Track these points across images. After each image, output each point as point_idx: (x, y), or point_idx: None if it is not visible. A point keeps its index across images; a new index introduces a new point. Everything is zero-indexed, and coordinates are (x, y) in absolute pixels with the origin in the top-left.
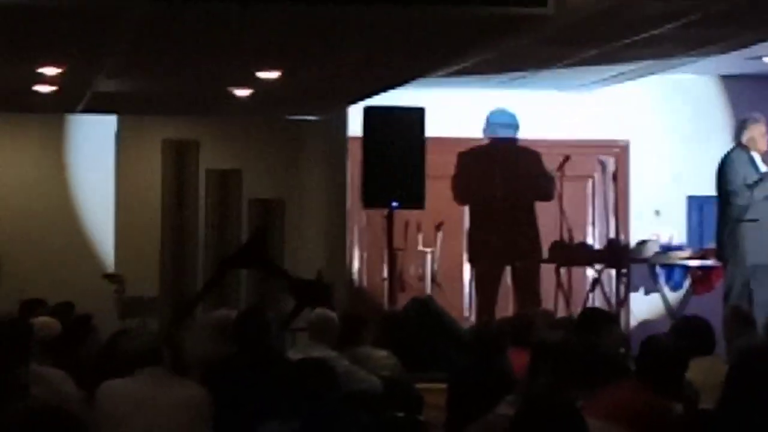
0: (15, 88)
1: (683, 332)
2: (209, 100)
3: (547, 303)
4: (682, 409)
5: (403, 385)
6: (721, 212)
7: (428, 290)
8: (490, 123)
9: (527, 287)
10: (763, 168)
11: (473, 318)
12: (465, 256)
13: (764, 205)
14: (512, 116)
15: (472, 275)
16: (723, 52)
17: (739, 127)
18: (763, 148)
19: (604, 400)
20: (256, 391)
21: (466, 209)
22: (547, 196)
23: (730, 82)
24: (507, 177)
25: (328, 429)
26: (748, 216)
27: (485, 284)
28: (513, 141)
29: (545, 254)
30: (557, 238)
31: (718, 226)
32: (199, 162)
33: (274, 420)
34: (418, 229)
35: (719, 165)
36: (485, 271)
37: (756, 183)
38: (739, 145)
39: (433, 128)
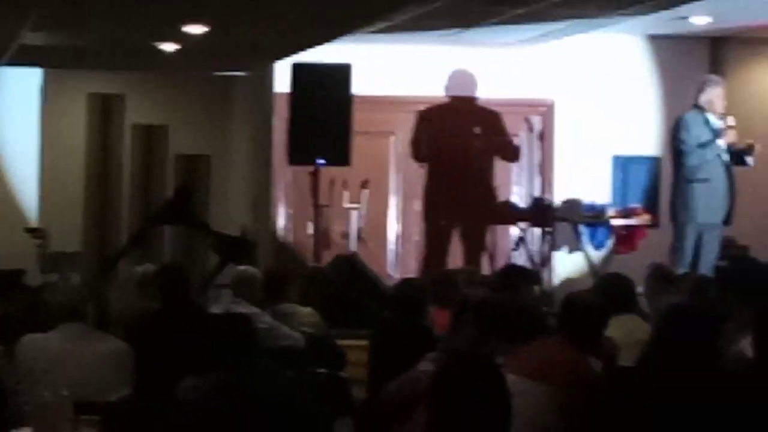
0: None
1: (604, 290)
2: (135, 54)
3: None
4: (602, 365)
5: (325, 341)
6: (675, 172)
7: (353, 247)
8: (450, 82)
9: (476, 246)
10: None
11: (397, 275)
12: (391, 214)
13: (715, 164)
14: (471, 76)
15: (424, 232)
16: (649, 12)
17: (698, 89)
18: (719, 110)
19: (524, 357)
20: (176, 346)
21: (392, 166)
22: (515, 157)
23: (658, 42)
24: (466, 136)
25: (247, 384)
26: (699, 176)
27: (437, 241)
28: (472, 100)
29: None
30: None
31: (672, 187)
32: (124, 117)
33: (194, 375)
34: (344, 186)
35: (674, 125)
36: (438, 228)
37: (708, 142)
38: (696, 106)
39: (360, 85)
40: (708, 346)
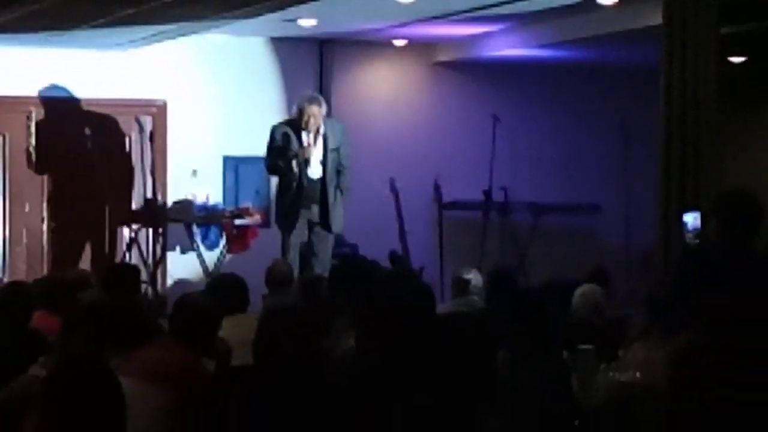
0: None
1: (217, 290)
2: None
3: (85, 263)
4: (215, 365)
5: None
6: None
7: None
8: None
9: (94, 246)
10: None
11: (6, 278)
12: (0, 216)
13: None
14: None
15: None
16: (258, 14)
17: (298, 105)
18: (311, 128)
19: (138, 359)
20: None
21: (1, 167)
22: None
23: (275, 43)
24: (76, 137)
25: None
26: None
27: (57, 243)
28: (80, 102)
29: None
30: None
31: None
32: None
33: None
34: None
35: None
36: (56, 230)
37: (284, 154)
38: (291, 120)
39: None
40: (303, 345)
